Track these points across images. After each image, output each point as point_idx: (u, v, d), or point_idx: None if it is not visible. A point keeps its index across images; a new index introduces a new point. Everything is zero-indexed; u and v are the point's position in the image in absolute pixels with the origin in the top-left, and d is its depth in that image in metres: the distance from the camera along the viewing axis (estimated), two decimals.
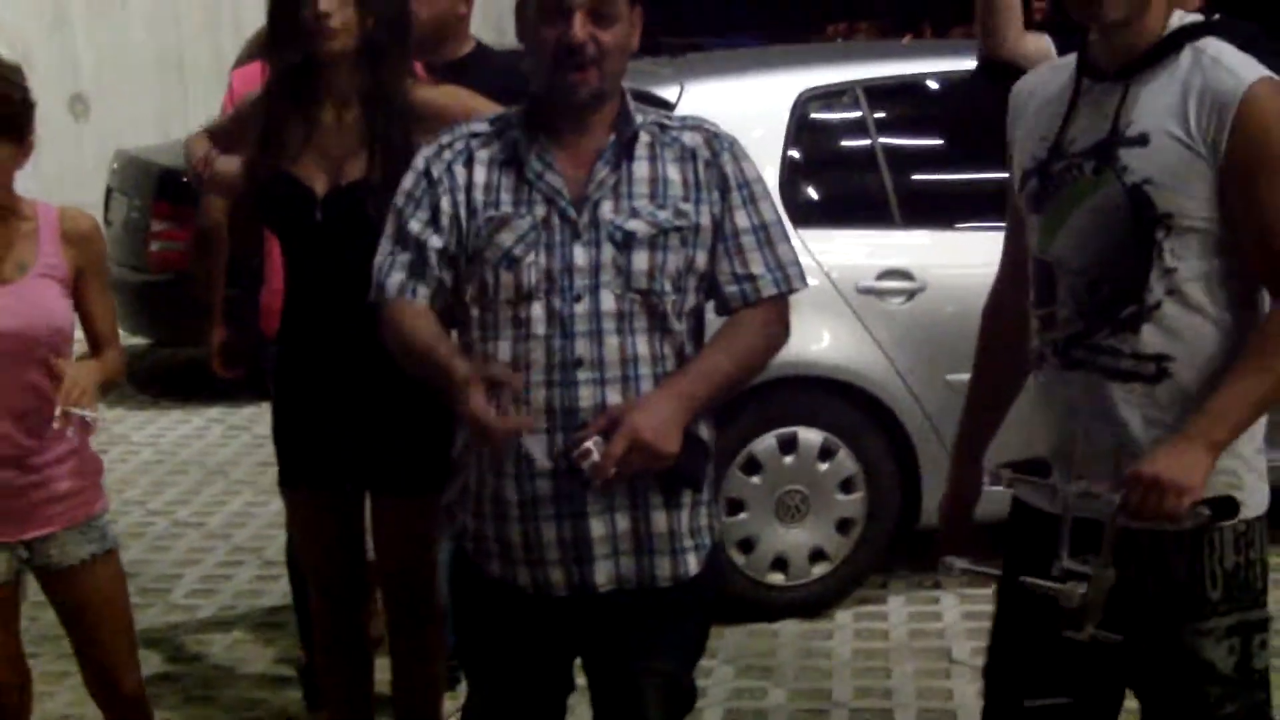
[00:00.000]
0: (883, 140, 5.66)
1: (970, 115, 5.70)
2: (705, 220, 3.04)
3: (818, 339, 5.34)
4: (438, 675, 4.12)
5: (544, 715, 3.28)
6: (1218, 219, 2.81)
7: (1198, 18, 2.92)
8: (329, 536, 3.94)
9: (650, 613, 3.11)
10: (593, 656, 3.23)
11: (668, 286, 3.01)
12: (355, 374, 3.69)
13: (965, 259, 5.49)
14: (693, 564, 3.11)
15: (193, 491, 7.15)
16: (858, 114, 5.68)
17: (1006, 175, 3.15)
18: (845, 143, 5.83)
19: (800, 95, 5.59)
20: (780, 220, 3.14)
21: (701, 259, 3.05)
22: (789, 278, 3.10)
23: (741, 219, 3.07)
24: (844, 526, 5.51)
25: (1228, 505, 2.81)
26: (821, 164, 5.71)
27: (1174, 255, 2.83)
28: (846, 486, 5.49)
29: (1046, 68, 3.18)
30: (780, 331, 3.14)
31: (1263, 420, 2.88)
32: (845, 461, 5.48)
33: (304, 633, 4.76)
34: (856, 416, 5.49)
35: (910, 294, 5.47)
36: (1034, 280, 3.02)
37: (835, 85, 5.71)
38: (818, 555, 5.51)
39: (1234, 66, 2.81)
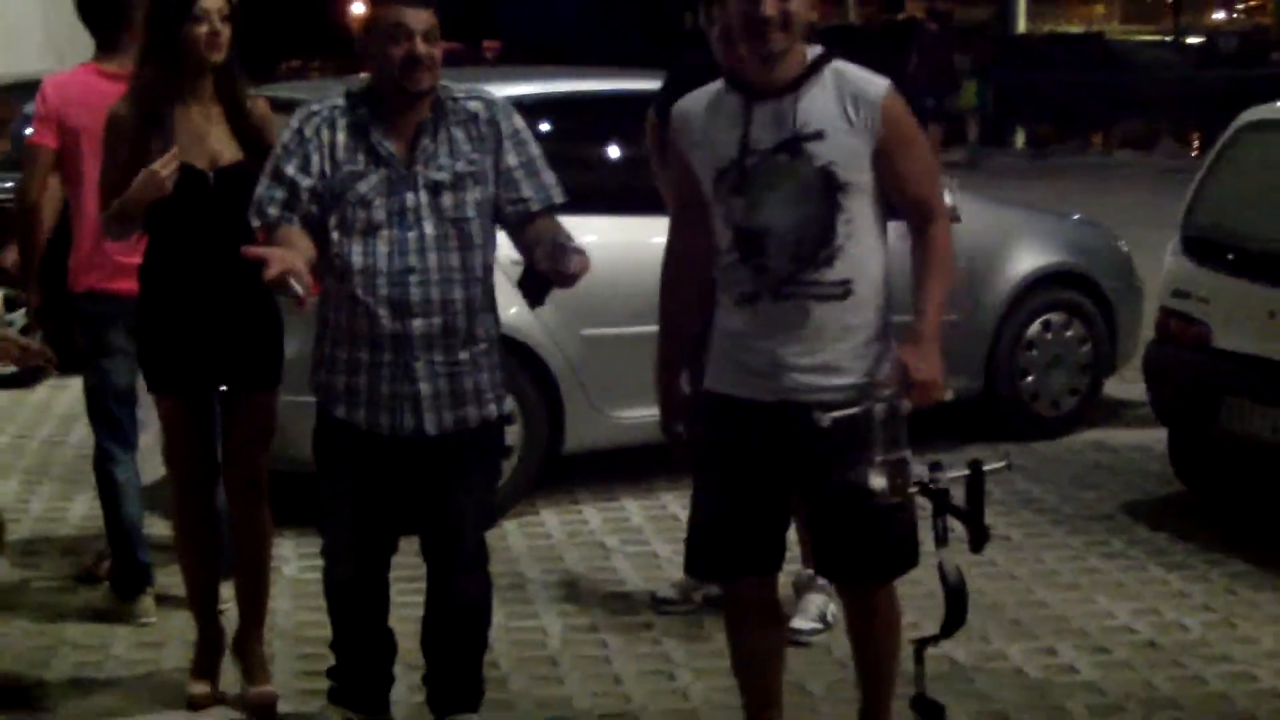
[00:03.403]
0: None
1: (598, 128, 7.22)
2: (489, 163, 4.40)
3: None
4: (269, 543, 5.21)
5: (382, 536, 4.58)
6: (872, 179, 4.11)
7: (820, 48, 4.17)
8: (197, 432, 5.00)
9: (466, 448, 4.45)
10: (421, 486, 4.49)
11: (472, 213, 4.37)
12: (222, 302, 4.83)
13: (595, 238, 6.94)
14: (493, 410, 4.49)
15: None
16: None
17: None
18: None
19: None
20: (541, 155, 4.48)
21: (491, 192, 4.40)
22: (550, 196, 4.47)
23: (512, 159, 4.44)
24: (506, 453, 6.82)
25: None
26: None
27: (850, 210, 4.09)
28: (507, 420, 6.79)
29: (698, 97, 4.26)
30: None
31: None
32: (506, 401, 6.77)
33: (112, 532, 5.71)
34: (513, 363, 6.78)
35: None
36: (739, 244, 4.13)
37: None
38: None
39: (869, 77, 4.13)
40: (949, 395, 4.14)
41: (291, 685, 5.21)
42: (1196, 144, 26.23)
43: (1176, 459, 7.29)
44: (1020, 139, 29.77)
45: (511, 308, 6.54)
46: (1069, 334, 8.44)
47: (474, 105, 4.42)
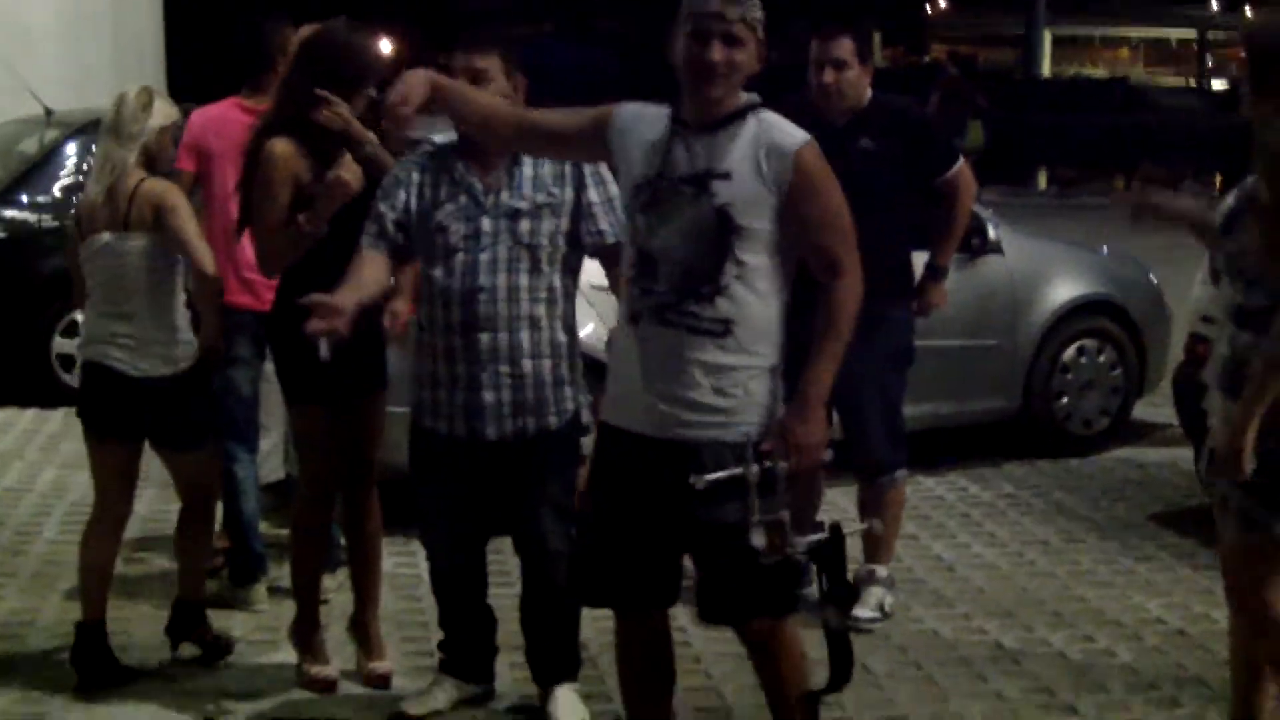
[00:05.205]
0: None
1: None
2: (569, 197, 4.94)
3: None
4: (380, 531, 5.76)
5: (471, 530, 5.13)
6: (771, 230, 4.14)
7: (756, 97, 4.26)
8: (341, 438, 5.47)
9: (533, 454, 4.95)
10: (500, 487, 5.01)
11: (543, 241, 4.90)
12: (359, 313, 5.30)
13: None
14: (553, 421, 4.96)
15: None
16: None
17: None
18: None
19: None
20: (619, 195, 4.77)
21: (566, 223, 4.94)
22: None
23: (593, 195, 4.97)
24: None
25: None
26: None
27: (742, 252, 4.12)
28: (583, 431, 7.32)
29: (645, 109, 4.34)
30: None
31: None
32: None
33: (231, 525, 6.31)
34: (599, 380, 7.30)
35: None
36: (635, 262, 4.24)
37: None
38: None
39: (788, 131, 4.19)
40: (828, 456, 4.19)
41: (399, 663, 5.74)
42: (1219, 186, 26.69)
43: (1202, 473, 7.78)
44: (1043, 180, 30.31)
45: (592, 328, 7.18)
46: (1101, 359, 8.99)
47: None
